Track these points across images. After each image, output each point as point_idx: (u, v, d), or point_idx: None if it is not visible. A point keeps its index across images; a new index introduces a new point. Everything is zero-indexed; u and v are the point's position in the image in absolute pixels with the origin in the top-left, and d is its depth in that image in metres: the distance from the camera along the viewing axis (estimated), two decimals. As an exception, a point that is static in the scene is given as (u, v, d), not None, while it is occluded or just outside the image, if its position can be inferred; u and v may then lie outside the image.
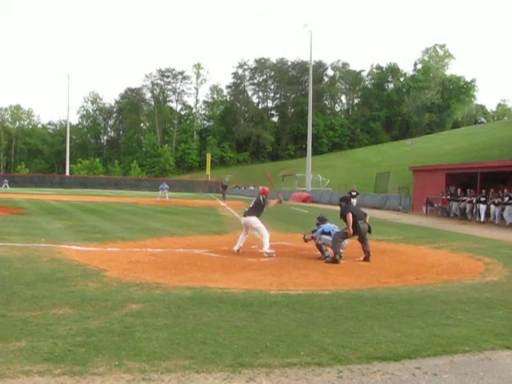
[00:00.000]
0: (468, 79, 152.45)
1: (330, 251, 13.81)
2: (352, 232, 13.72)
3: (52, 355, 5.47)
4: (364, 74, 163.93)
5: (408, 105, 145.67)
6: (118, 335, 6.22)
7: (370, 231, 14.11)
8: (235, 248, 14.62)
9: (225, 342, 6.03)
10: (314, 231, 14.53)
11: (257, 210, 14.91)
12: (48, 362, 5.30)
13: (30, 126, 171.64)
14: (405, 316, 7.57)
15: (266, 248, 14.25)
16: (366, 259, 13.62)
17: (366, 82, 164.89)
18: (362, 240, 13.95)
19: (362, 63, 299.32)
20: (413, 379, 5.14)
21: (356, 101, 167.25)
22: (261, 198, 15.00)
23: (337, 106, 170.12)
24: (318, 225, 14.61)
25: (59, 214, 27.63)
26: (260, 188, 16.33)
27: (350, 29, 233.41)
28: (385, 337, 6.39)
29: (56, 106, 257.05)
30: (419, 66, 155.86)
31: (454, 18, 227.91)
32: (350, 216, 13.72)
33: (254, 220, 14.78)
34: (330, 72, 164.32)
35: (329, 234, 13.95)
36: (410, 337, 6.42)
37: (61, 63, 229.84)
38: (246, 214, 15.04)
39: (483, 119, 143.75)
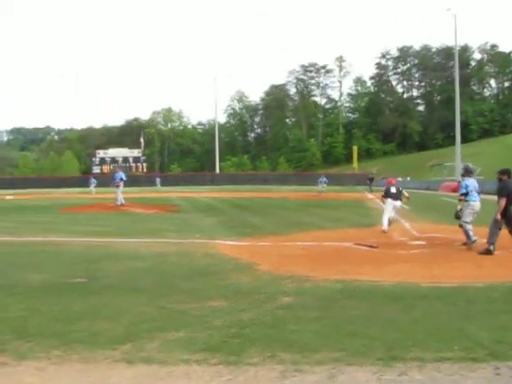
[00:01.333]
0: None
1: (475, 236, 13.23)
2: (500, 218, 12.80)
3: (208, 345, 5.68)
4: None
5: None
6: (270, 327, 6.34)
7: None
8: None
9: (376, 335, 5.97)
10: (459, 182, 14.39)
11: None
12: (205, 351, 5.51)
13: (181, 127, 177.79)
14: None
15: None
16: None
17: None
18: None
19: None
20: None
21: (506, 84, 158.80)
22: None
23: (485, 90, 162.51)
24: (463, 176, 14.15)
25: (210, 211, 28.53)
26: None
27: (496, 7, 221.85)
28: (546, 332, 6.04)
29: (204, 107, 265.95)
30: None
31: None
32: (503, 201, 12.71)
33: None
34: (476, 55, 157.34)
35: (466, 194, 13.47)
36: None
37: (207, 66, 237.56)
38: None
39: None
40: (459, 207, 13.76)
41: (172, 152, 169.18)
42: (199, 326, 6.41)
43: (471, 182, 13.73)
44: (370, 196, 46.91)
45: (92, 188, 63.27)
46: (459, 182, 14.52)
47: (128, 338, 6.00)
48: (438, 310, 7.17)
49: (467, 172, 14.28)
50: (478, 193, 13.78)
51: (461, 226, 13.64)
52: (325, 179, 52.26)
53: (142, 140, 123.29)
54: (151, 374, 5.04)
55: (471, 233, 13.35)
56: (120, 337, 6.04)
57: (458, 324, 6.40)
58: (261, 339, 5.86)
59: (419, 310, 7.17)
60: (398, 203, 17.12)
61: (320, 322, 6.53)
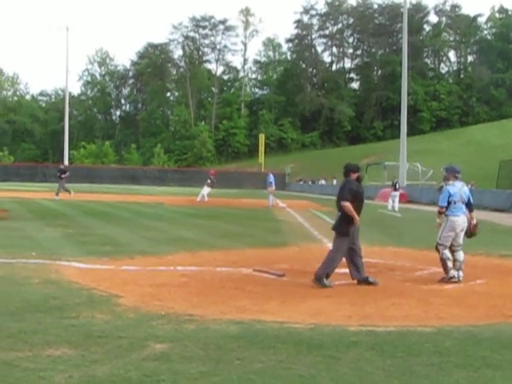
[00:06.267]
0: None
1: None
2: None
3: (45, 412, 5.56)
4: (481, 20, 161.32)
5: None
6: (135, 386, 6.28)
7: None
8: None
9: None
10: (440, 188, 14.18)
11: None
12: (40, 421, 5.38)
13: (16, 98, 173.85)
14: (541, 364, 7.42)
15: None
16: (361, 282, 13.05)
17: (485, 32, 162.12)
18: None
19: (479, 5, 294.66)
20: None
21: (470, 58, 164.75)
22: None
23: (443, 65, 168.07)
24: (445, 180, 13.87)
25: (55, 219, 28.01)
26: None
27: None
28: (512, 393, 6.27)
29: (51, 71, 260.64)
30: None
31: None
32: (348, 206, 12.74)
33: None
34: (432, 18, 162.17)
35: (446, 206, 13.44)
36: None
37: (57, 12, 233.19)
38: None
39: None
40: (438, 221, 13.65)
41: (1, 133, 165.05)
42: (33, 384, 6.27)
43: (458, 189, 13.54)
44: (281, 205, 47.34)
45: None
46: (441, 187, 14.28)
47: None
48: (370, 363, 7.29)
49: (452, 173, 13.84)
50: (469, 203, 13.67)
51: (438, 249, 13.61)
52: (272, 177, 47.51)
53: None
54: None
55: (450, 264, 13.32)
56: None
57: (398, 383, 6.53)
58: (122, 403, 5.79)
59: (345, 363, 7.26)
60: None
61: (207, 380, 6.51)
